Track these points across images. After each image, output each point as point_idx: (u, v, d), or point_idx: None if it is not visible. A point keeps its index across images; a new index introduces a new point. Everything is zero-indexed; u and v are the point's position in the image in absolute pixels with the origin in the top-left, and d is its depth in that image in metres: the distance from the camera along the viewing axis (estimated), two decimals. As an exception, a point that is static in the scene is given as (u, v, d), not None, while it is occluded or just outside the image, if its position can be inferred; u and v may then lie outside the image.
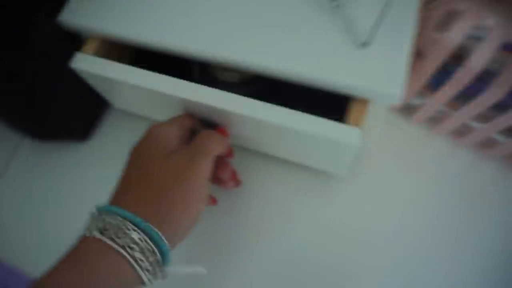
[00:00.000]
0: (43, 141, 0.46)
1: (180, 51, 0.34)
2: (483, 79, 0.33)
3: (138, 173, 0.30)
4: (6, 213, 0.46)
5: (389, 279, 0.38)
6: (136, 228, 0.27)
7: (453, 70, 0.35)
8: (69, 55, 0.36)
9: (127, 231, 0.26)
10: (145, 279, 0.26)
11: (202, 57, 0.33)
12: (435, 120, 0.43)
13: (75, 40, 0.37)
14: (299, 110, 0.32)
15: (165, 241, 0.27)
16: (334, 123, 0.31)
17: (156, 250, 0.27)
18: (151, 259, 0.27)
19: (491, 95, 0.33)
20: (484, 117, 0.38)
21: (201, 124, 0.36)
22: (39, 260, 0.43)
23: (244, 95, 0.34)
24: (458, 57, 0.33)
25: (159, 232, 0.27)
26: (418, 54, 0.35)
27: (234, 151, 0.38)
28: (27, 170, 0.48)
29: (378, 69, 0.30)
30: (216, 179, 0.37)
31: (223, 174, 0.36)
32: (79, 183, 0.46)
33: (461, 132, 0.42)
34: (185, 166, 0.30)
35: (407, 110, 0.44)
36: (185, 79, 0.34)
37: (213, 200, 0.39)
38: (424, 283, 0.38)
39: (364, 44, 0.30)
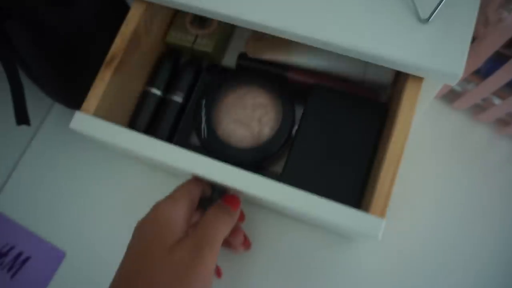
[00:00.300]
0: (72, 108, 0.45)
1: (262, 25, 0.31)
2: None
3: (137, 267, 0.27)
4: (29, 175, 0.46)
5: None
6: None
7: (505, 57, 0.33)
8: (110, 26, 0.34)
9: None
10: None
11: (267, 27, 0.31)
12: (478, 107, 0.42)
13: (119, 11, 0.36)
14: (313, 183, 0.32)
15: None
16: (357, 213, 0.28)
17: None
18: None
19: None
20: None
21: (211, 187, 0.34)
22: (52, 222, 0.43)
23: (253, 161, 0.35)
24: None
25: None
26: (474, 37, 0.33)
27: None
28: (58, 133, 0.47)
29: (440, 47, 0.29)
30: (225, 242, 0.34)
31: (234, 240, 0.34)
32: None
33: (506, 120, 0.41)
34: (190, 263, 0.27)
35: (447, 95, 0.43)
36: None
37: (218, 273, 0.36)
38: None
39: (426, 20, 0.29)
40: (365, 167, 0.34)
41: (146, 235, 0.29)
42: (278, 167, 0.41)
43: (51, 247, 0.42)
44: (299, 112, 0.38)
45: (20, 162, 0.47)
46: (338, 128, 0.35)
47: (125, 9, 0.36)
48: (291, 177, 0.34)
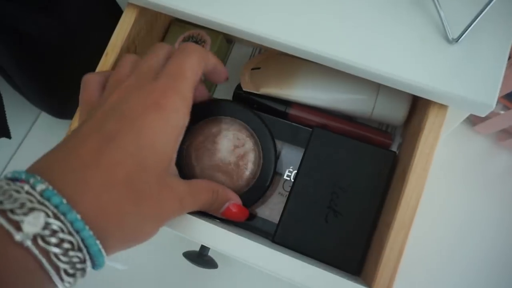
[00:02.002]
0: (60, 118, 0.42)
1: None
2: None
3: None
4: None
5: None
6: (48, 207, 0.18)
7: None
8: (99, 34, 0.31)
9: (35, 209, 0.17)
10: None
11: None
12: (504, 132, 0.38)
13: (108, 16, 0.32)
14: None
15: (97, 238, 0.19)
16: None
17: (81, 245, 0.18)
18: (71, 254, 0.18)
19: None
20: None
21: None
22: None
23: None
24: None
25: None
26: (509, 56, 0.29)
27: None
28: (46, 141, 0.44)
29: (470, 71, 0.25)
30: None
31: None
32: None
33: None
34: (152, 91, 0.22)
35: (468, 116, 0.39)
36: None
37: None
38: None
39: (455, 40, 0.25)
40: (370, 228, 0.29)
41: None
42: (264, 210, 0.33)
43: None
44: (295, 154, 0.32)
45: (5, 170, 0.44)
46: (340, 180, 0.30)
47: (116, 17, 0.33)
48: (284, 238, 0.30)
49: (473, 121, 0.39)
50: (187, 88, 0.23)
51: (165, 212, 0.22)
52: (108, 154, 0.20)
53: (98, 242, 0.19)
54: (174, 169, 0.26)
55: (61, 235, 0.17)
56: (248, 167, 0.31)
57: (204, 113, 0.32)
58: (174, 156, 0.24)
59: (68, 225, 0.18)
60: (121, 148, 0.20)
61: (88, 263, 0.19)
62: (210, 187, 0.26)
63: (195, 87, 0.24)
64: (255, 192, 0.31)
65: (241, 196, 0.30)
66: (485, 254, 0.36)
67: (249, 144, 0.31)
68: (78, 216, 0.18)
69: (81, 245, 0.18)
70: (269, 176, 0.31)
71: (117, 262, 0.24)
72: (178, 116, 0.23)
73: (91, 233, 0.18)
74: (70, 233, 0.18)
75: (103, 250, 0.19)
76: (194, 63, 0.24)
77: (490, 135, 0.39)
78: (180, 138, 0.24)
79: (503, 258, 0.36)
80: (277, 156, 0.31)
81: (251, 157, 0.31)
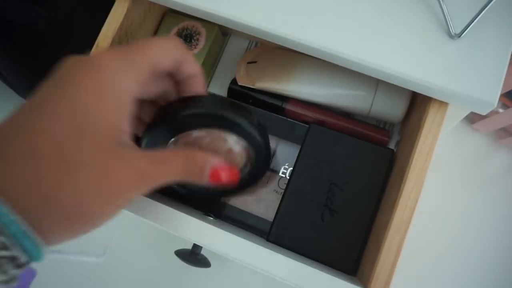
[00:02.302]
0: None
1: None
2: None
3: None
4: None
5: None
6: None
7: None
8: (90, 21, 0.30)
9: None
10: None
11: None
12: (502, 131, 0.37)
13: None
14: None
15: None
16: None
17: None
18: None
19: None
20: None
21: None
22: None
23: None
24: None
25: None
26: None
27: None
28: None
29: (472, 68, 0.24)
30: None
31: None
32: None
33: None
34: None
35: (468, 115, 0.38)
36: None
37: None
38: None
39: (458, 35, 0.24)
40: (366, 227, 0.29)
41: None
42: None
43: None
44: (291, 151, 0.32)
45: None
46: (336, 178, 0.30)
47: (107, 7, 0.32)
48: (279, 237, 0.29)
49: (471, 119, 0.38)
50: (140, 57, 0.20)
51: (117, 187, 0.18)
52: (32, 122, 0.17)
53: (27, 229, 0.15)
54: (129, 142, 0.20)
55: None
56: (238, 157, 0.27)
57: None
58: (125, 127, 0.19)
59: None
60: (48, 114, 0.17)
61: (23, 258, 0.16)
62: (183, 153, 0.22)
63: (158, 69, 0.21)
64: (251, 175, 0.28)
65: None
66: (483, 253, 0.36)
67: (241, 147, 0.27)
68: None
69: (7, 241, 0.15)
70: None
71: (89, 256, 0.22)
72: (121, 78, 0.19)
73: (14, 218, 0.15)
74: None
75: (36, 239, 0.16)
76: (164, 44, 0.21)
77: (488, 133, 0.38)
78: (129, 108, 0.19)
79: (501, 257, 0.35)
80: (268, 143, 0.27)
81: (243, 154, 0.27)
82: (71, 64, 0.19)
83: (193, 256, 0.29)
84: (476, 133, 0.39)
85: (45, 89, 0.18)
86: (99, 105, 0.18)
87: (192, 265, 0.30)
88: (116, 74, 0.19)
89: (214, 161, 0.23)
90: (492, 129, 0.37)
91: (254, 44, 0.39)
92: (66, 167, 0.17)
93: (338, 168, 0.30)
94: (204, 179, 0.23)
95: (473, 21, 0.24)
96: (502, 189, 0.37)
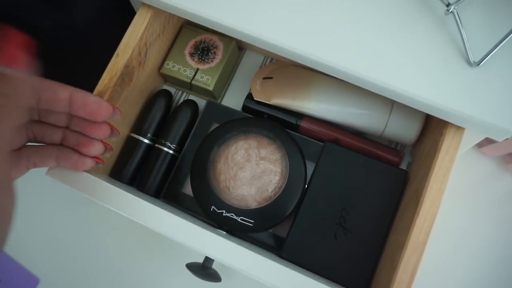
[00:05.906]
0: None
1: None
2: None
3: None
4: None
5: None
6: None
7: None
8: (111, 31, 0.30)
9: None
10: None
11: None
12: (509, 156, 0.38)
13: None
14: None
15: None
16: None
17: None
18: None
19: None
20: None
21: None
22: (29, 248, 0.39)
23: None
24: None
25: None
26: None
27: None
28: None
29: (489, 95, 0.25)
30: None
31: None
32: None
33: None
34: None
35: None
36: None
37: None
38: None
39: (477, 63, 0.25)
40: (379, 247, 0.29)
41: None
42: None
43: (26, 273, 0.39)
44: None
45: None
46: (350, 197, 0.30)
47: (128, 17, 0.32)
48: (292, 252, 0.29)
49: (479, 142, 0.39)
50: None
51: None
52: None
53: None
54: None
55: None
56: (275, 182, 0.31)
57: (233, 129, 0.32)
58: None
59: None
60: None
61: None
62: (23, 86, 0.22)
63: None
64: (282, 207, 0.30)
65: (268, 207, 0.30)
66: (489, 274, 0.36)
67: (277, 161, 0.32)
68: None
69: None
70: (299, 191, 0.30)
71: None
72: None
73: None
74: None
75: None
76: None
77: (496, 157, 0.39)
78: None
79: (510, 276, 0.36)
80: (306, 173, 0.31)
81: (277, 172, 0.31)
82: None
83: (205, 270, 0.29)
84: (483, 157, 0.39)
85: None
86: None
87: (202, 279, 0.30)
88: None
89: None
90: (499, 154, 0.37)
91: (269, 59, 0.39)
92: None
93: (352, 187, 0.30)
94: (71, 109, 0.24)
95: (492, 51, 0.24)
96: (508, 213, 0.37)
